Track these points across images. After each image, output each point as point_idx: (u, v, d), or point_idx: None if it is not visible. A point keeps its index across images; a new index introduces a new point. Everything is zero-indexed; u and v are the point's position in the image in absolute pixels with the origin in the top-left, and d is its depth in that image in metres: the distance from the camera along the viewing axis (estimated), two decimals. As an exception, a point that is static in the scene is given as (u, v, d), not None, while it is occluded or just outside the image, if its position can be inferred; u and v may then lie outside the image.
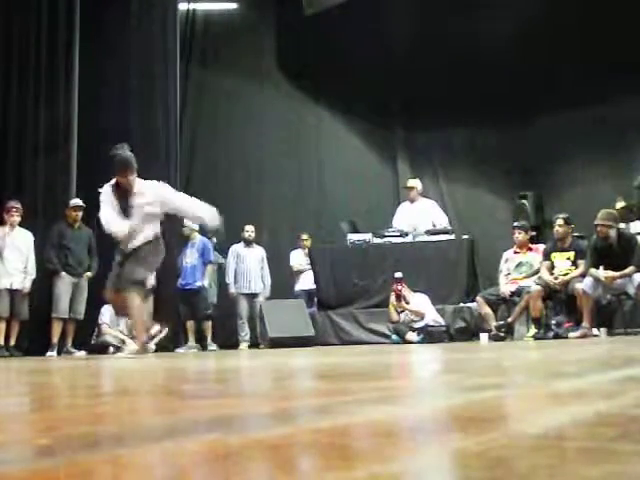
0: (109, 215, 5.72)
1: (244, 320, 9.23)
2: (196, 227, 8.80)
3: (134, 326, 5.95)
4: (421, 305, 7.80)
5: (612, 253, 6.98)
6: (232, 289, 9.36)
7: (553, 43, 10.10)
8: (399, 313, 7.86)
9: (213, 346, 8.76)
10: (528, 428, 0.90)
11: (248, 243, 9.53)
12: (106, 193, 5.80)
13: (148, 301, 8.84)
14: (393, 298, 7.84)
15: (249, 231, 9.52)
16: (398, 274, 7.84)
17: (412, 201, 9.02)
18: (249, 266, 9.42)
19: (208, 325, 8.89)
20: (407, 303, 7.82)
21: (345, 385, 1.99)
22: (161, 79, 9.67)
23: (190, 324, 8.87)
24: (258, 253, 9.58)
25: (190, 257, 8.96)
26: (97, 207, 8.67)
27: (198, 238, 8.99)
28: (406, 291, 7.83)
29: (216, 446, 0.83)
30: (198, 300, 8.86)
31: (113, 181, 5.77)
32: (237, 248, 9.50)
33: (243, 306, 9.29)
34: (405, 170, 11.66)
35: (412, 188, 9.02)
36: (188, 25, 11.12)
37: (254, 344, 9.04)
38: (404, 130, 11.75)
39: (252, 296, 9.35)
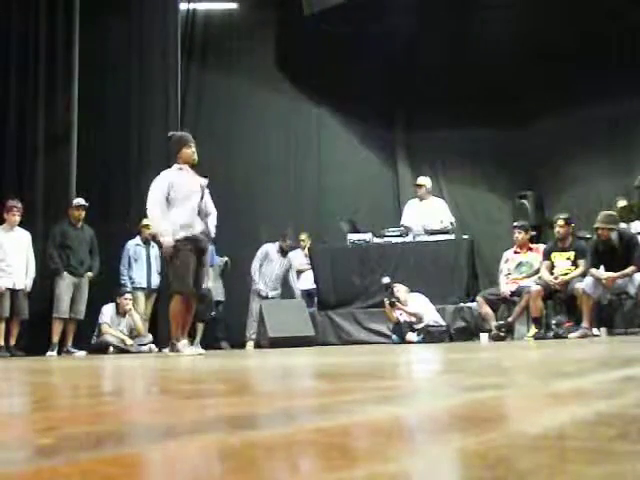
0: None
1: (254, 318, 9.16)
2: None
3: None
4: (419, 306, 7.78)
5: (613, 253, 6.98)
6: (258, 285, 9.31)
7: (553, 43, 10.11)
8: (399, 315, 7.84)
9: (199, 347, 8.69)
10: (528, 428, 0.90)
11: (283, 252, 9.43)
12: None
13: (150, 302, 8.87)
14: (387, 305, 7.81)
15: (288, 241, 9.41)
16: (386, 279, 7.80)
17: (421, 199, 9.04)
18: (274, 270, 9.34)
19: (201, 327, 8.86)
20: (404, 305, 7.80)
21: (345, 385, 1.99)
22: (161, 79, 9.68)
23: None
24: (286, 263, 9.49)
25: None
26: (98, 207, 8.75)
27: None
28: (402, 293, 7.81)
29: (216, 446, 0.83)
30: (203, 303, 8.83)
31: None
32: (270, 249, 9.41)
33: (256, 304, 9.21)
34: (405, 170, 11.67)
35: (421, 186, 9.04)
36: (188, 25, 11.12)
37: (257, 343, 9.03)
38: (404, 130, 11.75)
39: (266, 298, 9.33)
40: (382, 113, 11.43)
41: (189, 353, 5.70)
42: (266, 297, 9.28)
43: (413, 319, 7.73)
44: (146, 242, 8.82)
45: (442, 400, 1.41)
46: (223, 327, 9.63)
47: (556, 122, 10.58)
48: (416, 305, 7.78)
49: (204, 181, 6.02)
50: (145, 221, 8.83)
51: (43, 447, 0.87)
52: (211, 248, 8.98)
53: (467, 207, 11.03)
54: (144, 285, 8.75)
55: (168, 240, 5.66)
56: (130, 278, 8.71)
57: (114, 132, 9.40)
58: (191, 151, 5.88)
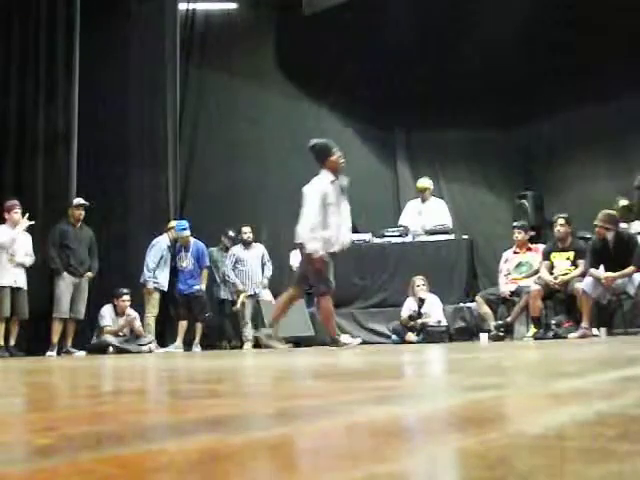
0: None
1: (247, 320, 9.22)
2: (188, 232, 8.85)
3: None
4: (434, 308, 7.84)
5: (611, 253, 6.99)
6: (240, 286, 9.38)
7: (553, 43, 10.10)
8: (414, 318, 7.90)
9: (198, 347, 8.74)
10: (528, 428, 0.90)
11: (247, 244, 9.53)
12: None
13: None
14: (410, 307, 7.85)
15: (247, 232, 9.52)
16: (420, 280, 7.89)
17: (424, 200, 9.05)
18: (250, 268, 9.43)
19: (199, 327, 8.89)
20: (422, 301, 7.87)
21: (345, 385, 1.99)
22: (161, 79, 9.68)
23: (182, 325, 8.86)
24: (258, 252, 9.58)
25: (185, 261, 8.95)
26: (98, 207, 8.75)
27: (192, 242, 8.98)
28: (423, 291, 7.86)
29: (216, 446, 0.83)
30: (197, 305, 8.86)
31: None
32: (236, 251, 9.50)
33: (246, 307, 9.28)
34: (405, 170, 11.67)
35: (427, 189, 9.06)
36: (188, 25, 11.12)
37: (256, 344, 9.05)
38: (404, 130, 11.75)
39: (255, 296, 9.37)
40: (382, 113, 11.43)
41: (354, 344, 5.94)
42: (253, 295, 9.33)
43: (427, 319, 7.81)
44: (173, 244, 8.88)
45: (442, 400, 1.41)
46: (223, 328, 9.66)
47: (556, 122, 10.59)
48: (431, 305, 7.84)
49: (346, 182, 6.09)
50: (172, 223, 8.90)
51: (43, 447, 0.87)
52: (203, 249, 9.04)
53: (467, 207, 11.03)
54: (165, 287, 8.78)
55: (316, 249, 5.74)
56: (155, 278, 8.72)
57: (114, 132, 9.41)
58: (337, 157, 5.96)
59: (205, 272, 9.07)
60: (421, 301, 7.87)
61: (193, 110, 11.00)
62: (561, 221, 7.52)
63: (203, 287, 9.00)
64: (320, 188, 5.88)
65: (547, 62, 10.30)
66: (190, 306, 8.86)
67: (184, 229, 8.86)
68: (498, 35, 9.92)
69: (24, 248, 7.91)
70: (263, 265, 9.58)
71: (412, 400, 1.45)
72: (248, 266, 9.43)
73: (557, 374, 2.13)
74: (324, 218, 5.83)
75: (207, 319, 8.96)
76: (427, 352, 5.07)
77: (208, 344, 8.96)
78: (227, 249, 9.60)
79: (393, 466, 0.69)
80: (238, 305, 9.29)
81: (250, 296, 9.35)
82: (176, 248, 9.01)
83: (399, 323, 7.95)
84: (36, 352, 7.81)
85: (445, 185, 11.20)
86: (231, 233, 9.59)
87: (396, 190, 11.52)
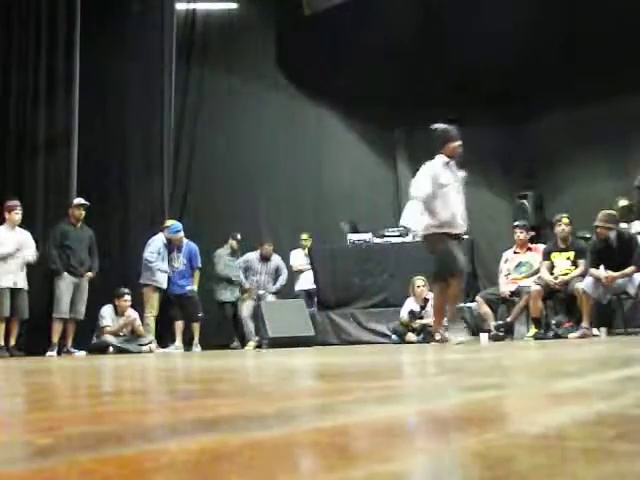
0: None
1: (249, 320, 9.22)
2: (181, 234, 8.85)
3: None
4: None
5: (612, 253, 6.98)
6: (246, 285, 9.44)
7: (553, 42, 10.11)
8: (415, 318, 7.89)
9: (197, 347, 8.75)
10: (528, 428, 0.90)
11: (265, 259, 9.53)
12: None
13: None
14: (409, 309, 7.84)
15: (267, 248, 9.52)
16: (420, 281, 7.86)
17: None
18: (260, 278, 9.49)
19: (197, 327, 8.89)
20: (425, 302, 7.87)
21: (345, 385, 1.99)
22: (160, 79, 9.68)
23: (179, 325, 8.86)
24: (273, 265, 9.58)
25: (177, 262, 8.94)
26: (97, 207, 8.76)
27: (185, 243, 8.98)
28: (425, 292, 7.87)
29: (216, 446, 0.83)
30: (190, 305, 8.86)
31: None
32: (251, 259, 9.50)
33: (249, 307, 9.29)
34: (405, 170, 11.65)
35: None
36: (188, 25, 11.12)
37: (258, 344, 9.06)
38: (404, 130, 11.75)
39: (258, 298, 9.40)
40: (382, 113, 11.43)
41: (464, 340, 5.63)
42: (257, 297, 9.36)
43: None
44: (168, 244, 8.88)
45: (442, 400, 1.41)
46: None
47: (556, 122, 10.58)
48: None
49: (463, 174, 6.03)
50: (168, 222, 8.91)
51: (43, 447, 0.87)
52: (195, 250, 9.05)
53: (467, 207, 11.01)
54: (164, 285, 8.79)
55: (417, 231, 5.57)
56: (154, 276, 8.73)
57: (113, 132, 9.41)
58: (456, 145, 5.86)
59: (197, 273, 9.07)
60: (425, 301, 7.87)
61: (193, 110, 11.00)
62: (565, 220, 7.53)
63: (195, 288, 9.01)
64: (430, 170, 5.72)
65: (547, 62, 10.30)
66: (183, 306, 8.87)
67: (178, 231, 8.87)
68: (498, 35, 9.92)
69: (28, 246, 7.92)
70: (278, 276, 9.60)
71: (412, 400, 1.45)
72: (258, 276, 9.48)
73: (557, 374, 2.13)
74: (438, 200, 5.63)
75: (200, 319, 8.94)
76: (427, 352, 5.07)
77: (208, 344, 8.96)
78: (234, 252, 9.61)
79: (393, 466, 0.69)
80: (244, 296, 9.35)
81: (254, 298, 9.37)
82: (169, 248, 9.01)
83: (399, 323, 7.96)
84: (36, 352, 7.81)
85: (445, 185, 11.18)
86: (239, 236, 9.59)
87: (396, 190, 11.52)
